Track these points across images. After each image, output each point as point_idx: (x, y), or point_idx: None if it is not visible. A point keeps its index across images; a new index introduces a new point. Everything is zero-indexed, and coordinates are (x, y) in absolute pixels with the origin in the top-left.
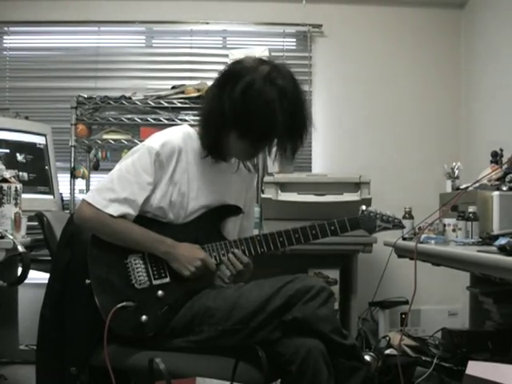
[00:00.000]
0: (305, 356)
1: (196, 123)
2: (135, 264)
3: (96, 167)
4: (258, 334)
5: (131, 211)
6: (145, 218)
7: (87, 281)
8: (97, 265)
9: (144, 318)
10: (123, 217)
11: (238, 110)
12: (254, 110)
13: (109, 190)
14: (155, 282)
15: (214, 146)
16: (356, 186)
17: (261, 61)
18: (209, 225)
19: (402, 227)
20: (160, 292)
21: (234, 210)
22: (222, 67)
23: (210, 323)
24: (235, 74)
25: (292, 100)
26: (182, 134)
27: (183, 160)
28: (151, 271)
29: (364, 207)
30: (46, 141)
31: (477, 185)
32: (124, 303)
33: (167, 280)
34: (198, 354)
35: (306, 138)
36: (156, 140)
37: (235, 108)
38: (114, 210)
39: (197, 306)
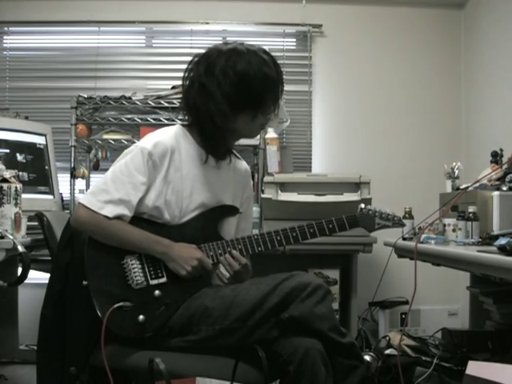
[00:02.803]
0: (303, 356)
1: (188, 123)
2: (132, 264)
3: (96, 167)
4: (255, 332)
5: (126, 212)
6: (141, 220)
7: (84, 282)
8: (94, 266)
9: (141, 317)
10: (119, 218)
11: (238, 84)
12: (251, 77)
13: (103, 192)
14: (152, 282)
15: (220, 140)
16: (356, 186)
17: (226, 42)
18: (205, 225)
19: (402, 225)
20: (157, 292)
21: (231, 210)
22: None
23: (207, 323)
24: (217, 59)
25: (270, 58)
26: (175, 134)
27: (176, 159)
28: (148, 271)
29: (363, 205)
30: (46, 141)
31: (477, 185)
32: (121, 303)
33: (164, 280)
34: (198, 354)
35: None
36: (148, 140)
37: (233, 83)
38: (109, 211)
39: (194, 306)
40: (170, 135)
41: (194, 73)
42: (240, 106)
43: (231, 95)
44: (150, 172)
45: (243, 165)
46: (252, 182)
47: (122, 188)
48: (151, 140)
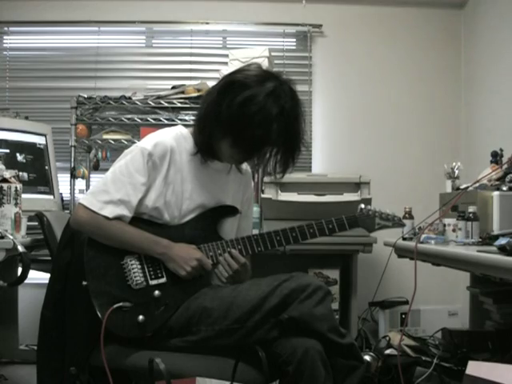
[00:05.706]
0: (302, 356)
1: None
2: (131, 265)
3: (96, 167)
4: (254, 333)
5: (126, 212)
6: (141, 220)
7: (84, 282)
8: (93, 266)
9: (141, 318)
10: (119, 219)
11: (235, 120)
12: (250, 123)
13: (103, 192)
14: (152, 282)
15: (205, 146)
16: (356, 186)
17: (267, 74)
18: (205, 225)
19: (402, 225)
20: (157, 292)
21: (231, 211)
22: (222, 67)
23: (206, 323)
24: (239, 84)
25: (290, 120)
26: (175, 135)
27: (177, 160)
28: (147, 271)
29: (363, 205)
30: (46, 141)
31: (477, 185)
32: (120, 304)
33: (164, 280)
34: (198, 354)
35: (298, 157)
36: (148, 141)
37: (231, 117)
38: (109, 211)
39: (194, 306)
40: (170, 136)
41: (221, 80)
42: (223, 130)
43: (221, 118)
44: (150, 172)
45: (244, 165)
46: (253, 183)
47: (122, 188)
48: (151, 140)
